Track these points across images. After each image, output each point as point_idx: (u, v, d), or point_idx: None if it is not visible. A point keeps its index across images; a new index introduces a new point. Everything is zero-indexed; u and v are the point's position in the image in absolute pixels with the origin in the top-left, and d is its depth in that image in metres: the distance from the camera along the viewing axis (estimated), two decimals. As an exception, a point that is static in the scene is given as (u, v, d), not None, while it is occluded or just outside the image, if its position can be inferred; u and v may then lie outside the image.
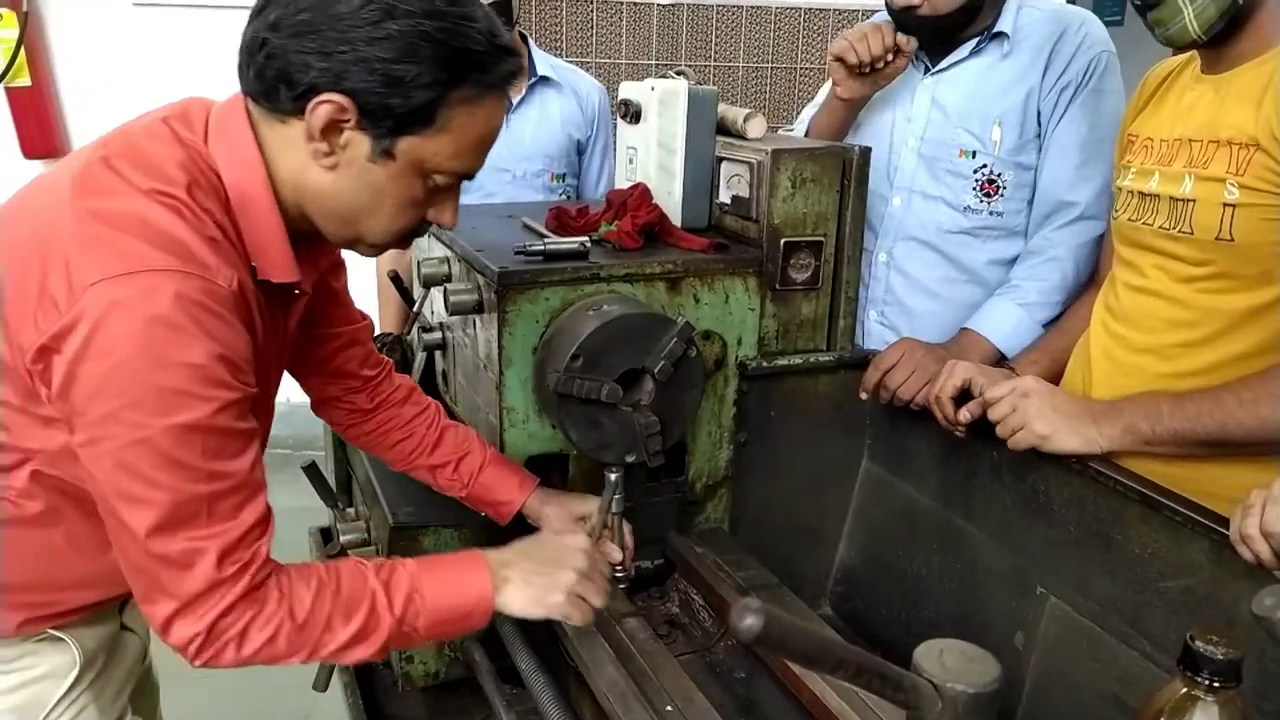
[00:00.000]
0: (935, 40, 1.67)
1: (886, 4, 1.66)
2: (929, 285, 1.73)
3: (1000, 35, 1.64)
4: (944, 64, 1.69)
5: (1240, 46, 1.21)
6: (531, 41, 2.38)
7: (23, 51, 3.32)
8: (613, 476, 1.30)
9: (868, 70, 1.63)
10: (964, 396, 1.35)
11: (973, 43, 1.66)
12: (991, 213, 1.66)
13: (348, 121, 0.93)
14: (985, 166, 1.64)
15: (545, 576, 1.09)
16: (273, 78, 0.93)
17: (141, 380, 0.86)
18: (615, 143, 2.48)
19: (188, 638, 0.93)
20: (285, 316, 1.12)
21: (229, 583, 0.93)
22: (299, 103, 0.93)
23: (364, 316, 1.35)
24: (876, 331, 1.78)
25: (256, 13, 0.95)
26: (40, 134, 3.44)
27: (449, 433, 1.36)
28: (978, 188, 1.66)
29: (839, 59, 1.65)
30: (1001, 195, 1.65)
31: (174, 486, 0.89)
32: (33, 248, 0.91)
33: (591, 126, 2.39)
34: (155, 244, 0.88)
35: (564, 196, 2.34)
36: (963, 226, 1.68)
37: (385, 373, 1.37)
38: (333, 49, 0.91)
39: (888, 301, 1.77)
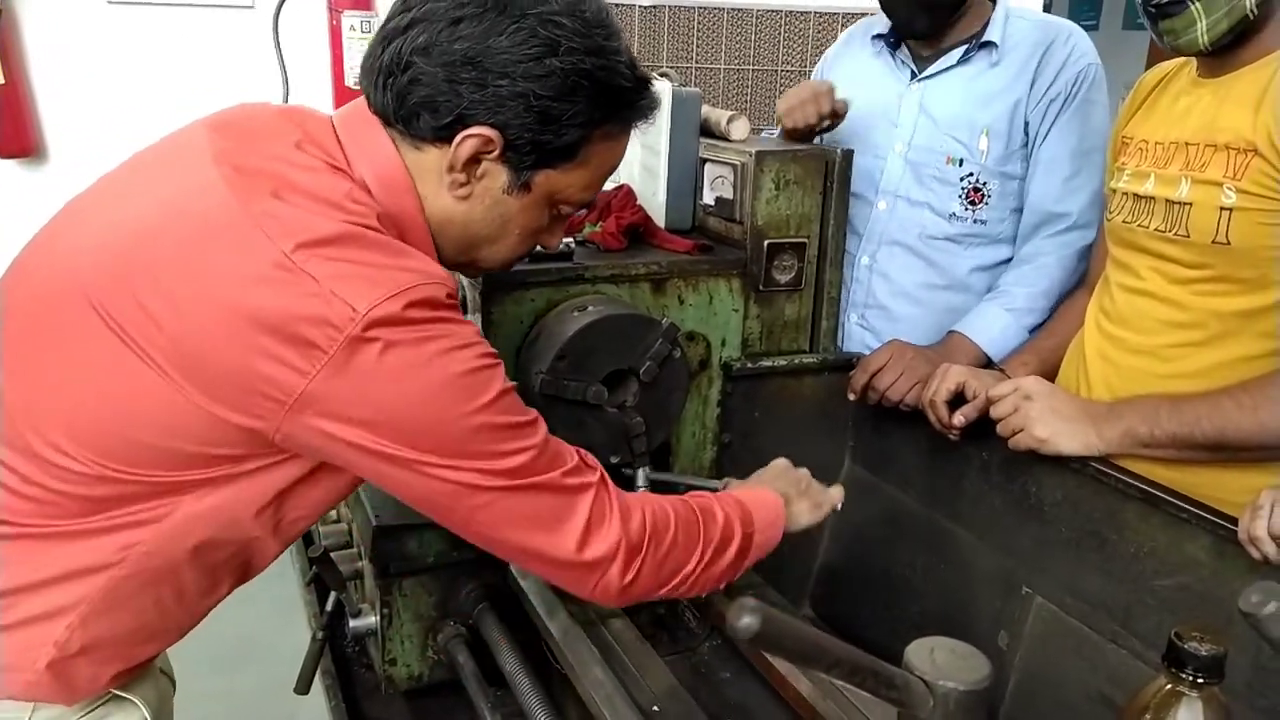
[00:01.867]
0: (924, 31, 1.68)
1: None
2: (910, 290, 1.74)
3: (989, 44, 1.65)
4: (931, 70, 1.70)
5: (1241, 53, 1.22)
6: None
7: (-4, 50, 3.28)
8: (640, 480, 1.32)
9: (810, 134, 1.63)
10: (956, 401, 1.36)
11: (960, 50, 1.67)
12: (976, 220, 1.68)
13: (491, 153, 0.92)
14: (972, 175, 1.66)
15: (805, 488, 1.21)
16: (416, 104, 0.91)
17: (454, 381, 0.86)
18: None
19: (609, 547, 0.95)
20: None
21: (605, 485, 0.96)
22: (443, 132, 0.91)
23: None
24: (857, 334, 1.79)
25: (400, 31, 0.91)
26: (16, 133, 3.39)
27: None
28: (964, 195, 1.67)
29: (784, 128, 1.66)
30: (986, 204, 1.67)
31: (523, 445, 0.91)
32: (223, 299, 0.83)
33: None
34: (392, 265, 0.86)
35: None
36: (947, 233, 1.69)
37: None
38: (490, 82, 0.88)
39: (869, 305, 1.78)
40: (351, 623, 1.31)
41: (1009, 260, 1.71)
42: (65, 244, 0.95)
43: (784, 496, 1.16)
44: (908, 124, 1.71)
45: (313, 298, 0.81)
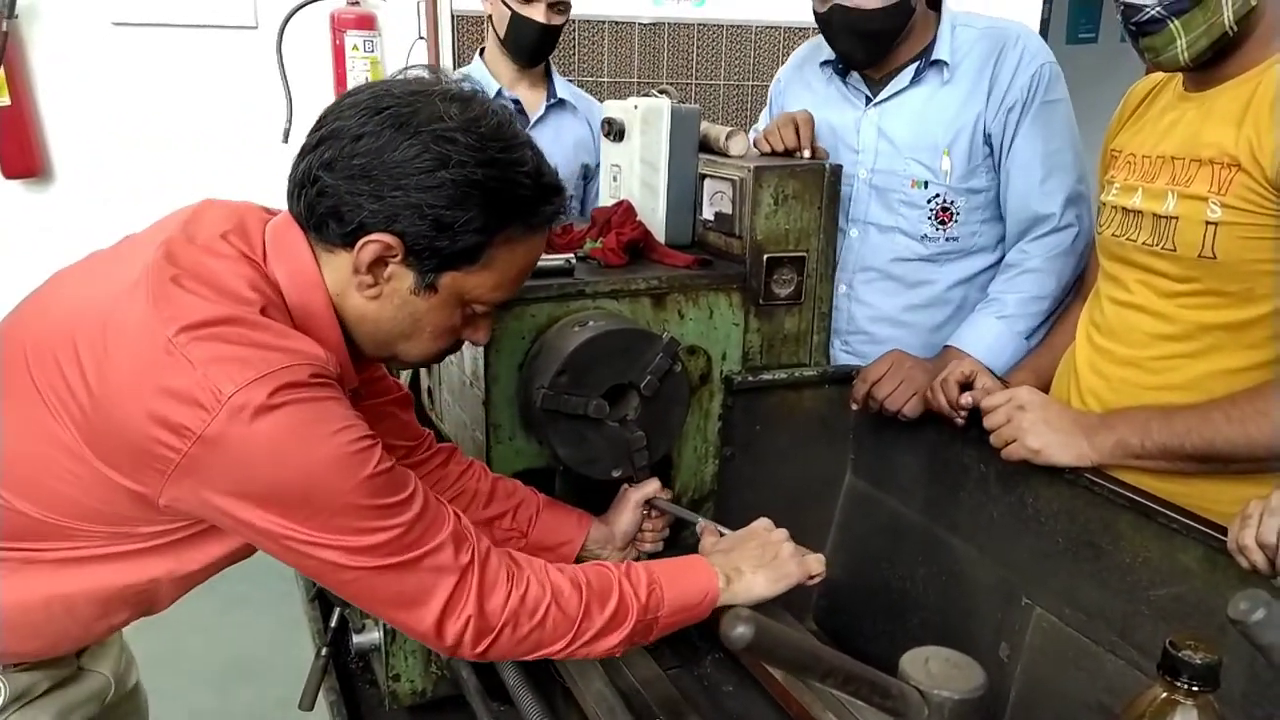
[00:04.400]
0: (864, 62, 1.68)
1: (814, 13, 1.67)
2: (891, 314, 1.75)
3: (939, 63, 1.65)
4: (884, 94, 1.69)
5: (1224, 68, 1.23)
6: (553, 67, 2.42)
7: (2, 71, 3.31)
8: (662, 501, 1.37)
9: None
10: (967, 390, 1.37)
11: (911, 70, 1.67)
12: (948, 239, 1.69)
13: (394, 257, 0.97)
14: (938, 196, 1.67)
15: (771, 558, 1.20)
16: (323, 213, 0.97)
17: (320, 461, 0.90)
18: None
19: (460, 628, 0.99)
20: None
21: (473, 566, 1.00)
22: (348, 239, 0.96)
23: (399, 388, 1.35)
24: (843, 360, 1.77)
25: (310, 148, 0.98)
26: (20, 154, 3.42)
27: (499, 484, 1.36)
28: (932, 216, 1.68)
29: (756, 144, 1.66)
30: (956, 221, 1.68)
31: (395, 522, 0.95)
32: (140, 366, 0.90)
33: (600, 154, 2.43)
34: (267, 345, 0.91)
35: (564, 217, 2.37)
36: (920, 254, 1.70)
37: (425, 444, 1.36)
38: (385, 193, 0.94)
39: (851, 331, 1.78)
40: (355, 639, 1.32)
41: (990, 267, 1.71)
42: (31, 309, 1.04)
43: (731, 573, 1.17)
44: (868, 149, 1.71)
45: (186, 379, 0.87)
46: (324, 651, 1.42)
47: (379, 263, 0.97)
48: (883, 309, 1.75)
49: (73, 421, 0.93)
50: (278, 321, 0.96)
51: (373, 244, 0.95)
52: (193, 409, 0.87)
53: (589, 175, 2.46)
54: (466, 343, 1.12)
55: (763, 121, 1.94)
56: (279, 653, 1.46)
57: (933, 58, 1.66)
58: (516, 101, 2.34)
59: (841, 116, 1.74)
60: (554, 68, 2.45)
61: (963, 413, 1.36)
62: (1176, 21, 1.19)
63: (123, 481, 0.93)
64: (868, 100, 1.72)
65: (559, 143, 2.37)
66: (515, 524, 1.34)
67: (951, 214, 1.67)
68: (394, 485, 0.96)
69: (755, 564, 1.19)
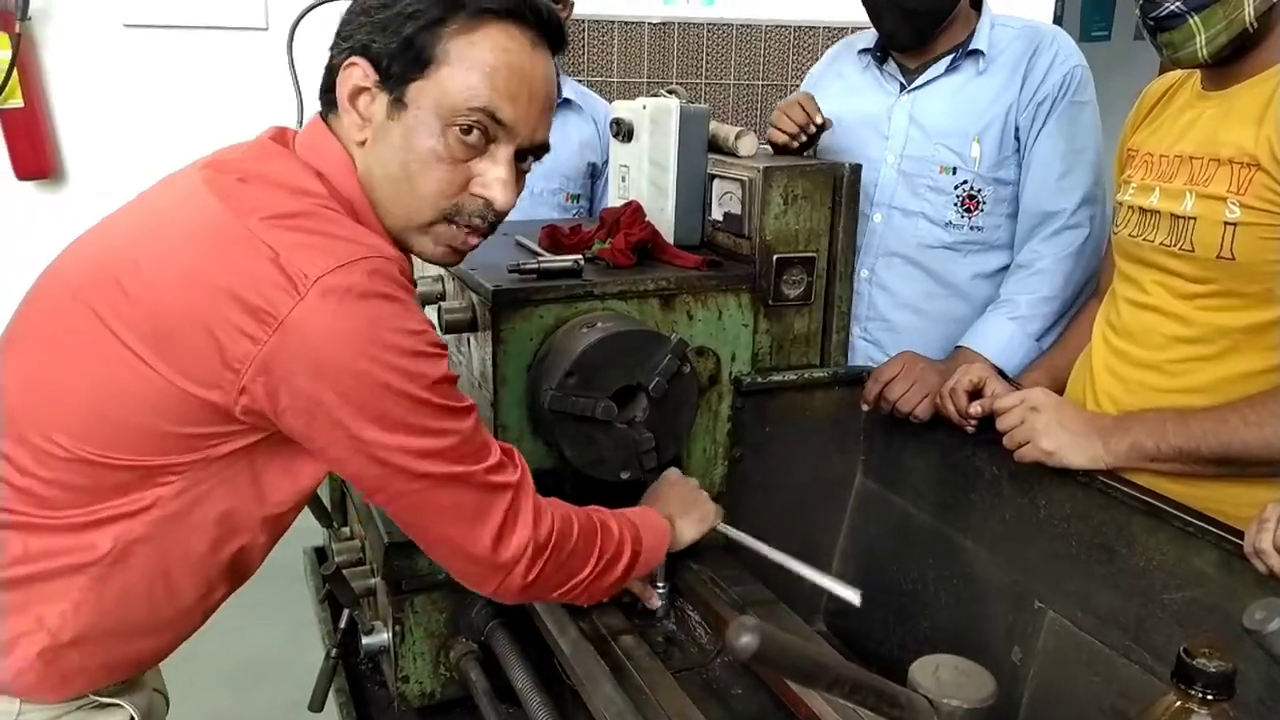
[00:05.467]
0: (907, 42, 1.69)
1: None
2: (912, 301, 1.75)
3: (976, 52, 1.67)
4: (920, 81, 1.71)
5: (1243, 66, 1.22)
6: (559, 66, 2.43)
7: (15, 72, 3.32)
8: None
9: (796, 145, 1.64)
10: (975, 398, 1.36)
11: (948, 59, 1.69)
12: (972, 227, 1.69)
13: (366, 86, 0.98)
14: (966, 183, 1.67)
15: (691, 505, 1.29)
16: (325, 80, 1.02)
17: (402, 353, 0.90)
18: None
19: (519, 547, 1.01)
20: None
21: (522, 487, 1.02)
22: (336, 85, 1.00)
23: None
24: (860, 347, 1.78)
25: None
26: (33, 155, 3.44)
27: None
28: (959, 203, 1.68)
29: (770, 142, 1.67)
30: (982, 210, 1.68)
31: (453, 429, 0.95)
32: (190, 278, 0.89)
33: (607, 152, 2.43)
34: (347, 238, 0.91)
35: (575, 215, 2.38)
36: (944, 241, 1.70)
37: None
38: (345, 27, 1.00)
39: (871, 318, 1.78)
40: (364, 640, 1.32)
41: (1009, 267, 1.71)
42: (66, 258, 1.03)
43: (670, 517, 1.25)
44: (899, 135, 1.72)
45: (269, 264, 0.86)
46: (333, 653, 1.43)
47: (359, 94, 0.98)
48: (903, 295, 1.76)
49: (139, 335, 0.90)
50: (343, 214, 0.96)
51: (346, 69, 0.98)
52: (277, 291, 0.85)
53: (596, 174, 2.46)
54: (474, 342, 1.12)
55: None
56: (290, 654, 1.47)
57: (970, 48, 1.67)
58: None
59: (873, 103, 1.76)
60: (560, 67, 2.44)
61: (972, 422, 1.35)
62: (1196, 17, 1.17)
63: (196, 390, 0.90)
64: (901, 87, 1.74)
65: (564, 142, 2.37)
66: None
67: (978, 202, 1.67)
68: (458, 393, 0.98)
69: (681, 510, 1.27)
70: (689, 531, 1.27)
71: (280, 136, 1.06)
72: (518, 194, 1.06)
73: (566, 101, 2.38)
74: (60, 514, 0.95)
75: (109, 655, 1.03)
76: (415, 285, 1.02)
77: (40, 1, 3.59)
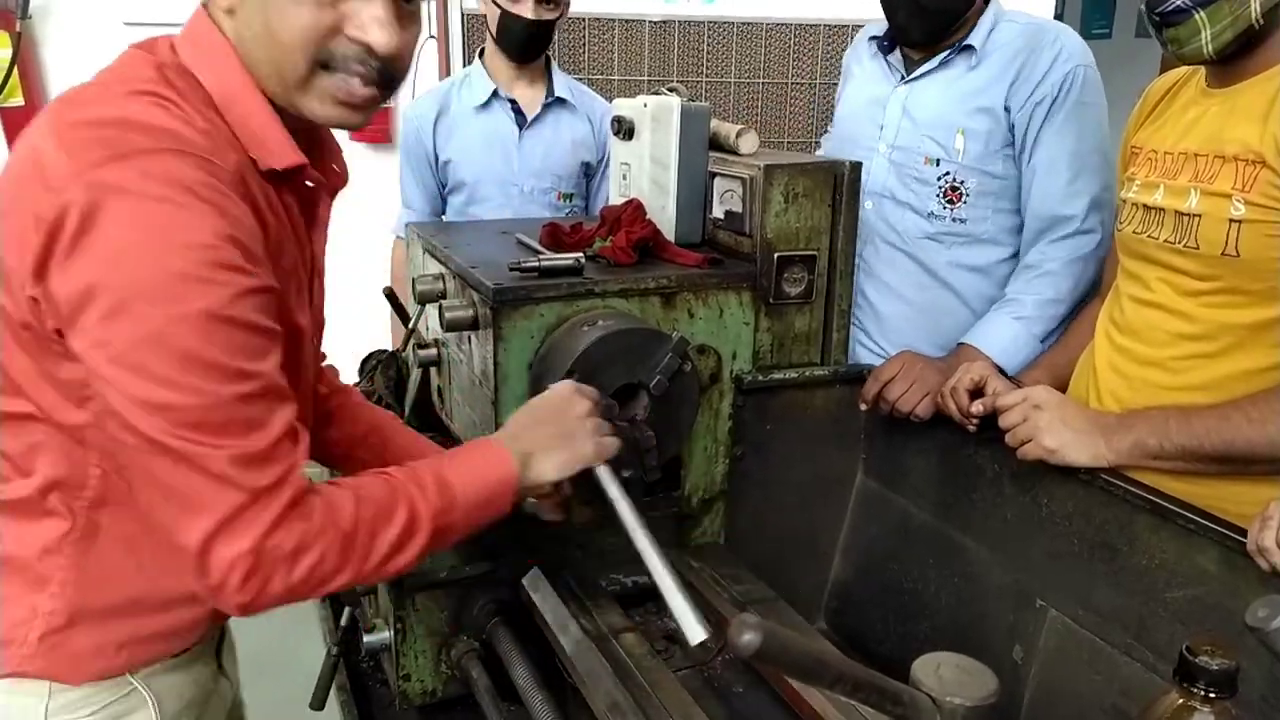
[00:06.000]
0: (919, 39, 1.70)
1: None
2: (898, 288, 1.77)
3: (969, 48, 1.68)
4: (916, 73, 1.73)
5: (1248, 63, 1.22)
6: (554, 63, 2.42)
7: (15, 71, 3.32)
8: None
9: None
10: (976, 397, 1.36)
11: (944, 54, 1.70)
12: (954, 219, 1.70)
13: None
14: (948, 174, 1.68)
15: (564, 436, 1.08)
16: None
17: (146, 266, 0.79)
18: None
19: (231, 560, 0.83)
20: (308, 225, 1.06)
21: (271, 493, 0.84)
22: None
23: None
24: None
25: None
26: (33, 153, 3.44)
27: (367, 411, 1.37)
28: (941, 194, 1.70)
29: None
30: (965, 202, 1.69)
31: (199, 387, 0.81)
32: (18, 189, 0.85)
33: (603, 151, 2.43)
34: (143, 132, 0.83)
35: (568, 214, 2.37)
36: (927, 232, 1.72)
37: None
38: None
39: (858, 304, 1.79)
40: (366, 638, 1.32)
41: (1001, 261, 1.72)
42: None
43: (523, 458, 1.05)
44: (891, 125, 1.74)
45: (58, 166, 0.81)
46: (334, 651, 1.43)
47: None
48: (889, 281, 1.77)
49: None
50: (190, 97, 0.90)
51: None
52: (48, 194, 0.80)
53: (591, 172, 2.46)
54: (475, 340, 1.11)
55: (839, 101, 1.97)
56: (290, 652, 1.47)
57: (965, 43, 1.68)
58: (513, 101, 2.34)
59: (876, 91, 1.79)
60: (555, 65, 2.44)
61: (974, 421, 1.35)
62: (1202, 12, 1.17)
63: (19, 316, 0.87)
64: (902, 78, 1.75)
65: (557, 141, 2.37)
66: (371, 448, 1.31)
67: (960, 194, 1.68)
68: (234, 349, 0.83)
69: (547, 445, 1.07)
70: (550, 470, 1.07)
71: (147, 44, 0.99)
72: (411, 37, 0.98)
73: (560, 100, 2.38)
74: (15, 489, 0.96)
75: (118, 634, 1.02)
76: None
77: (40, 1, 3.58)
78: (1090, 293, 1.62)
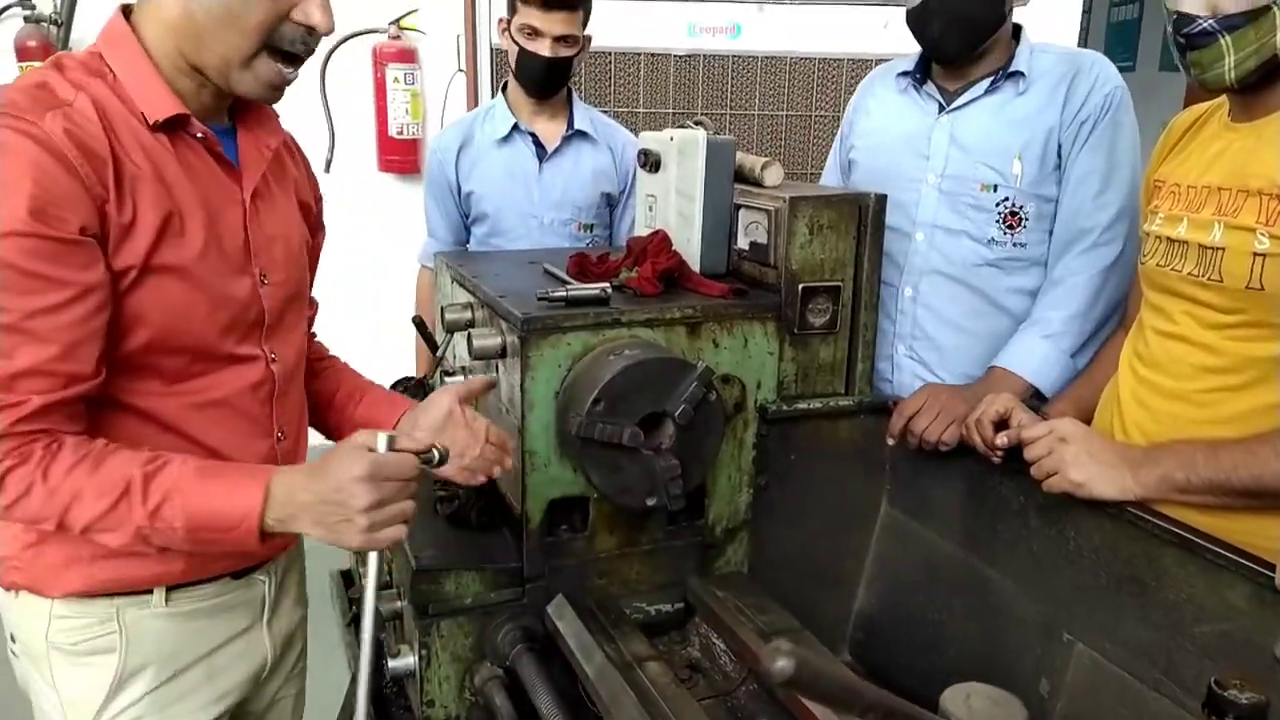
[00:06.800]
0: (954, 52, 1.70)
1: (908, 13, 1.69)
2: (955, 319, 1.75)
3: (1016, 74, 1.68)
4: (960, 102, 1.73)
5: (1271, 96, 1.22)
6: (576, 95, 2.45)
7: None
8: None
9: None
10: (1001, 428, 1.36)
11: (987, 81, 1.70)
12: (1015, 244, 1.69)
13: None
14: (1007, 199, 1.68)
15: (330, 526, 1.03)
16: None
17: None
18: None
19: None
20: (234, 180, 1.19)
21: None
22: None
23: (313, 304, 1.46)
24: (906, 366, 1.79)
25: None
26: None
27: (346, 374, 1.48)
28: (1001, 220, 1.69)
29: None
30: (1024, 227, 1.68)
31: None
32: None
33: (625, 181, 2.45)
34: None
35: (589, 245, 2.39)
36: (987, 259, 1.71)
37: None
38: None
39: (916, 336, 1.78)
40: (390, 663, 1.33)
41: None
42: None
43: (285, 518, 1.04)
44: (939, 155, 1.73)
45: None
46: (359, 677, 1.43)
47: None
48: (948, 314, 1.76)
49: None
50: (75, 73, 1.07)
51: None
52: None
53: (613, 203, 2.48)
54: (502, 368, 1.13)
55: (834, 151, 2.00)
56: (315, 676, 1.50)
57: (1011, 69, 1.69)
58: (534, 135, 2.37)
59: (912, 124, 1.78)
60: (576, 98, 2.47)
61: (999, 453, 1.35)
62: (1228, 38, 1.18)
63: None
64: (941, 108, 1.75)
65: (576, 174, 2.39)
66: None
67: (1020, 219, 1.68)
68: (15, 285, 0.97)
69: (313, 521, 1.04)
70: (313, 534, 1.05)
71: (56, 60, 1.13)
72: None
73: (580, 133, 2.40)
74: None
75: (80, 548, 1.13)
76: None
77: (80, 34, 3.68)
78: (1116, 307, 1.62)
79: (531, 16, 2.19)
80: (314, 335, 1.52)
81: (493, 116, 2.41)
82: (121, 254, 1.05)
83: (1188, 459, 1.18)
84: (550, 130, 2.40)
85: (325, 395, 1.45)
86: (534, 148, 2.38)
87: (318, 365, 1.48)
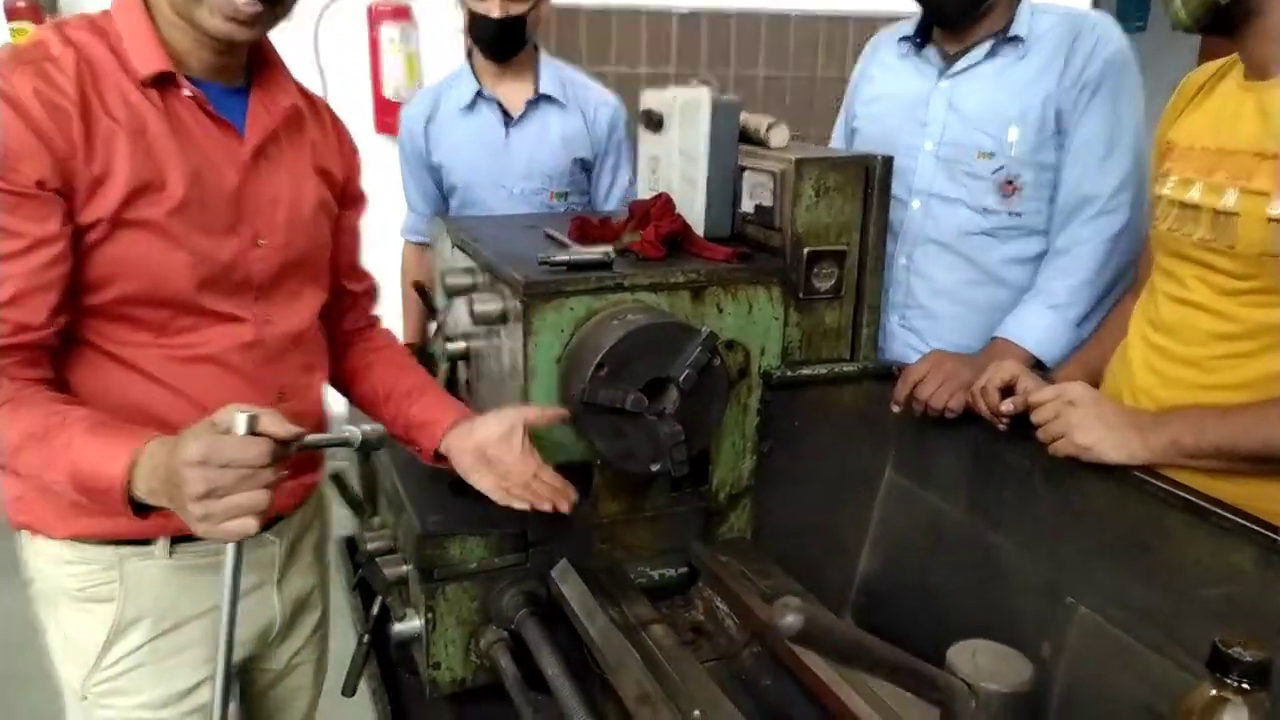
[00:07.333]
0: (955, 13, 1.67)
1: None
2: (950, 288, 1.74)
3: (1015, 39, 1.66)
4: (959, 67, 1.70)
5: (1269, 45, 1.20)
6: (543, 54, 2.37)
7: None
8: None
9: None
10: (1007, 395, 1.35)
11: (987, 45, 1.67)
12: (1010, 213, 1.67)
13: None
14: (1003, 168, 1.66)
15: (176, 503, 0.96)
16: None
17: None
18: (633, 156, 2.47)
19: None
20: (233, 139, 1.19)
21: None
22: None
23: (366, 275, 1.50)
24: (899, 335, 1.78)
25: None
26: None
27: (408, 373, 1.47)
28: (996, 188, 1.67)
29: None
30: (1020, 195, 1.66)
31: None
32: None
33: (601, 144, 2.38)
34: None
35: (565, 212, 2.35)
36: (982, 227, 1.69)
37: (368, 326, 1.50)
38: None
39: (909, 305, 1.77)
40: (396, 627, 1.34)
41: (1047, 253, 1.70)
42: None
43: (152, 491, 0.99)
44: (936, 122, 1.71)
45: None
46: (365, 640, 1.45)
47: None
48: (942, 283, 1.74)
49: None
50: (75, 33, 1.10)
51: None
52: None
53: (589, 167, 2.40)
54: (504, 334, 1.13)
55: (839, 119, 1.97)
56: (320, 640, 1.54)
57: (1010, 34, 1.66)
58: (499, 101, 2.30)
59: (912, 90, 1.75)
60: (545, 57, 2.37)
61: (1005, 420, 1.34)
62: None
63: None
64: (940, 74, 1.73)
65: (544, 141, 2.31)
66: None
67: (1015, 187, 1.66)
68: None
69: (169, 500, 0.98)
70: (169, 507, 0.99)
71: None
72: None
73: (547, 98, 2.31)
74: None
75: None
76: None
77: (72, -4, 3.63)
78: (1122, 275, 1.61)
79: None
80: (375, 322, 1.52)
81: (458, 84, 2.33)
82: (92, 206, 1.07)
83: (1197, 423, 1.18)
84: (516, 95, 2.31)
85: (383, 390, 1.43)
86: (500, 114, 2.30)
87: (377, 355, 1.47)
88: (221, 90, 1.19)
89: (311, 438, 1.04)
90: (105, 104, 1.08)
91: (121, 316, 1.13)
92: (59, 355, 1.13)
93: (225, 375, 1.21)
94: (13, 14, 3.55)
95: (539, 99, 2.30)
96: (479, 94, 2.29)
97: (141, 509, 1.01)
